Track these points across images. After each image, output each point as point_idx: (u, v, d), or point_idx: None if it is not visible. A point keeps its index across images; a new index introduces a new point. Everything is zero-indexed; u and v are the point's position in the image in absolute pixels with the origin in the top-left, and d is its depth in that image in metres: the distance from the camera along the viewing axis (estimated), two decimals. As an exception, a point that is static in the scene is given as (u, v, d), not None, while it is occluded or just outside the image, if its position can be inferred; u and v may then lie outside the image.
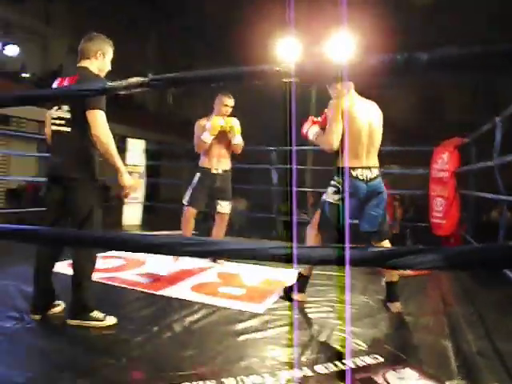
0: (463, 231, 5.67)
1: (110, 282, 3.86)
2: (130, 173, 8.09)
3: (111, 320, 2.88)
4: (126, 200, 8.14)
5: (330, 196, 3.30)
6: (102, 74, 2.99)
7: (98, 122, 2.71)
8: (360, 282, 4.10)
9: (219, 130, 4.52)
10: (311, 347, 2.55)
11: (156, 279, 4.06)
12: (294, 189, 6.57)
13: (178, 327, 2.82)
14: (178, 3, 14.18)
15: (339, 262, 0.89)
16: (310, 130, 3.46)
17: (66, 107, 2.80)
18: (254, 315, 3.10)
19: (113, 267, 4.43)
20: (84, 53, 2.94)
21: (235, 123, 4.63)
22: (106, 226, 6.95)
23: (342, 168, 3.19)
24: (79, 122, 2.75)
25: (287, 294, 3.57)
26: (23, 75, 11.57)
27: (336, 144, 3.16)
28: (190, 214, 4.69)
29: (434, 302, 3.80)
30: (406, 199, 9.40)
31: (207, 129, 4.51)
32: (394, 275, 3.37)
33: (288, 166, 7.63)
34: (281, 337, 2.72)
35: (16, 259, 4.21)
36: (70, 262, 2.95)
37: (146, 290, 3.67)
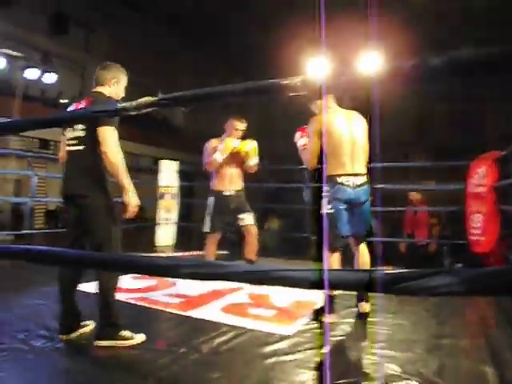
0: (504, 248, 5.45)
1: (139, 303, 3.86)
2: (163, 194, 8.27)
3: (140, 337, 2.86)
4: (159, 221, 8.21)
5: (325, 208, 3.43)
6: None
7: (108, 138, 2.73)
8: (393, 303, 3.97)
9: (231, 151, 4.60)
10: (342, 371, 2.45)
11: (186, 300, 4.04)
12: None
13: (206, 349, 2.77)
14: (207, 28, 14.41)
15: (366, 287, 0.83)
16: (300, 141, 3.66)
17: (79, 126, 2.84)
18: (283, 337, 3.02)
19: (143, 287, 4.44)
20: (99, 80, 3.05)
21: (251, 147, 4.67)
22: (139, 245, 7.07)
23: (329, 177, 3.39)
24: (92, 140, 2.76)
25: (317, 315, 3.47)
26: (61, 101, 11.91)
27: (312, 163, 3.46)
28: (211, 240, 4.81)
29: (473, 323, 3.65)
30: (443, 216, 9.15)
31: (219, 149, 4.59)
32: None
33: (321, 185, 7.51)
34: (310, 360, 2.62)
35: (47, 279, 4.25)
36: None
37: (175, 311, 3.65)
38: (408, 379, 2.35)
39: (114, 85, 3.05)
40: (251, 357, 2.67)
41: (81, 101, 2.95)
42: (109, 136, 2.73)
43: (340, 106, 3.61)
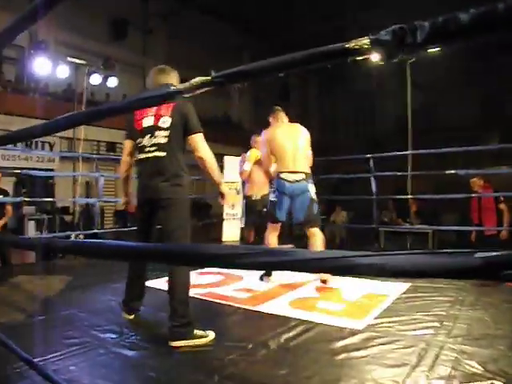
0: None
1: (207, 298, 3.86)
2: (229, 189, 8.30)
3: (212, 334, 2.84)
4: (225, 216, 8.27)
5: (271, 196, 4.46)
6: None
7: (201, 144, 2.97)
8: (471, 295, 3.76)
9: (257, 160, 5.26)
10: (417, 368, 2.30)
11: (254, 295, 4.00)
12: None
13: (274, 344, 2.71)
14: (269, 23, 14.35)
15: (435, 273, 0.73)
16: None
17: (161, 133, 2.95)
18: (353, 332, 2.91)
19: (211, 283, 4.45)
20: (161, 82, 3.07)
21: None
22: (207, 242, 7.15)
23: (277, 174, 4.33)
24: (174, 147, 2.96)
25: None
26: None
27: (269, 165, 4.49)
28: (248, 234, 5.71)
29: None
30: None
31: (246, 158, 5.41)
32: None
33: (389, 173, 7.28)
34: (383, 356, 2.49)
35: (118, 276, 4.37)
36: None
37: (242, 306, 3.62)
38: (491, 378, 2.16)
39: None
40: (320, 353, 2.57)
41: (159, 106, 2.98)
42: (202, 142, 2.98)
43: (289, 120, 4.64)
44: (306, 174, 4.23)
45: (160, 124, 2.96)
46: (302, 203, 4.21)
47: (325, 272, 0.89)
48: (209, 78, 1.06)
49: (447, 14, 0.67)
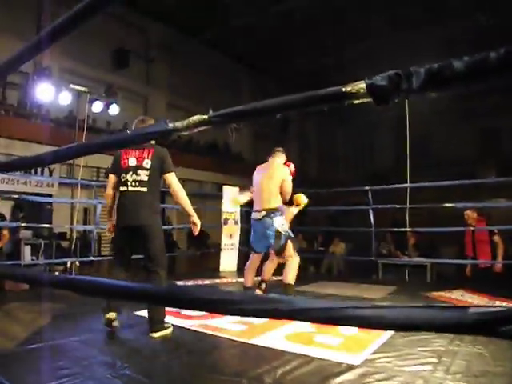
0: None
1: (201, 330, 3.81)
2: (227, 220, 8.32)
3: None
4: (223, 246, 8.24)
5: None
6: None
7: (175, 181, 3.74)
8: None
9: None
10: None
11: (249, 327, 3.95)
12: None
13: (269, 379, 2.65)
14: (269, 55, 14.56)
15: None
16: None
17: (143, 172, 3.66)
18: (350, 367, 2.86)
19: (205, 314, 4.39)
20: None
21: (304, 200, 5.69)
22: (205, 271, 7.11)
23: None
24: (153, 184, 3.70)
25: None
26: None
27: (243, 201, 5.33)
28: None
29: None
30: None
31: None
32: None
33: (387, 206, 7.32)
34: (380, 392, 2.46)
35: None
36: (166, 309, 3.66)
37: (237, 339, 3.56)
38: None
39: None
40: (317, 388, 2.53)
41: (136, 150, 3.74)
42: (175, 179, 3.75)
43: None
44: (267, 210, 4.68)
45: (143, 164, 3.67)
46: (266, 237, 4.69)
47: (319, 323, 0.89)
48: (206, 116, 1.08)
49: (442, 62, 0.68)
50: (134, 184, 3.65)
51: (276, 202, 4.74)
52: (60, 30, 1.51)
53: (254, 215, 4.76)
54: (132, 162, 3.69)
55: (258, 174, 4.89)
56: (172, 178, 3.72)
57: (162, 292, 1.24)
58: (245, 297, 0.93)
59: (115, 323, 3.62)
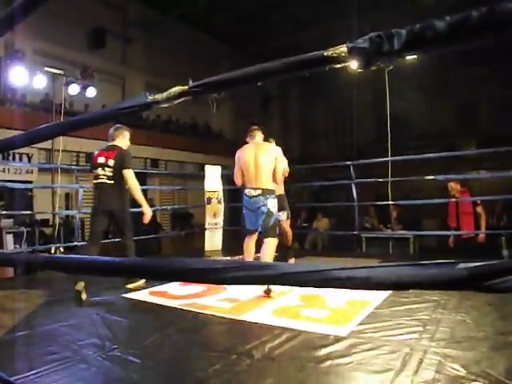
0: None
1: (190, 309, 3.83)
2: (210, 199, 8.31)
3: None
4: (207, 226, 8.23)
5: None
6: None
7: (130, 175, 4.61)
8: (453, 298, 3.79)
9: None
10: (402, 373, 2.31)
11: (237, 304, 3.98)
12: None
13: (258, 354, 2.68)
14: (246, 32, 14.42)
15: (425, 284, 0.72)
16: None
17: (109, 169, 4.58)
18: (338, 339, 2.91)
19: (193, 293, 4.42)
20: (113, 137, 4.85)
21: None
22: (189, 251, 7.14)
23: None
24: (117, 178, 4.58)
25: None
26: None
27: (238, 181, 4.89)
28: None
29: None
30: (498, 205, 8.73)
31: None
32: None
33: (369, 180, 7.36)
34: (367, 362, 2.49)
35: (98, 289, 4.35)
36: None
37: (226, 316, 3.60)
38: (475, 380, 2.18)
39: (122, 138, 4.87)
40: (305, 361, 2.57)
41: (106, 151, 4.71)
42: (131, 175, 4.62)
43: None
44: (263, 189, 4.64)
45: (108, 163, 4.59)
46: (258, 216, 4.63)
47: (308, 286, 0.87)
48: (186, 87, 1.06)
49: (424, 22, 0.68)
50: (103, 177, 4.61)
51: (271, 184, 4.74)
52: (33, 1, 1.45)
53: (249, 192, 4.69)
54: (101, 160, 4.64)
55: (247, 154, 4.78)
56: (127, 173, 4.59)
57: (147, 265, 1.24)
58: (233, 264, 0.92)
59: (83, 295, 4.16)
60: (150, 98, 1.17)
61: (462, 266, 0.65)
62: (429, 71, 12.56)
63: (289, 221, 6.12)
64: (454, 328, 3.05)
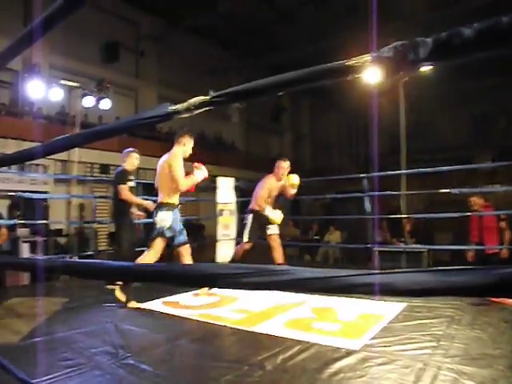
0: None
1: (202, 319, 3.83)
2: (222, 211, 8.33)
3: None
4: (219, 237, 8.24)
5: None
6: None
7: (124, 191, 5.13)
8: (467, 314, 3.75)
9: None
10: (415, 387, 2.28)
11: (249, 315, 3.98)
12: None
13: (270, 365, 2.68)
14: (257, 44, 14.53)
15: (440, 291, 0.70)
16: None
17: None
18: (350, 352, 2.89)
19: (206, 304, 4.42)
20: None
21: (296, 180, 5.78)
22: (201, 262, 7.28)
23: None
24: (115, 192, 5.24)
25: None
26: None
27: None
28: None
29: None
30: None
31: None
32: None
33: (383, 193, 7.31)
34: (380, 376, 2.47)
35: (112, 298, 4.37)
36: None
37: (238, 327, 3.59)
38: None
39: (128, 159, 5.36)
40: (317, 373, 2.55)
41: None
42: (123, 190, 5.12)
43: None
44: (159, 204, 4.62)
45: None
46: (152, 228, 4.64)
47: (322, 292, 0.85)
48: (207, 97, 1.07)
49: (450, 30, 0.68)
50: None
51: (164, 197, 4.60)
52: (51, 19, 1.49)
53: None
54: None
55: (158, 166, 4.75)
56: (121, 189, 5.15)
57: (158, 270, 1.24)
58: (249, 270, 0.92)
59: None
60: (170, 108, 1.18)
61: (495, 271, 0.64)
62: (444, 82, 12.51)
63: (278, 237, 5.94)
64: (469, 344, 3.00)
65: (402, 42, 0.73)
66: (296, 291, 0.90)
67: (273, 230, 5.87)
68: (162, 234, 4.46)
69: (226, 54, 16.16)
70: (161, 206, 4.53)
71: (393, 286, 0.72)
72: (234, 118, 15.41)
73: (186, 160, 4.58)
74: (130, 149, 5.46)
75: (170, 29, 13.72)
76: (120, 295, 4.32)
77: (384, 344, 3.06)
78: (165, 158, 4.62)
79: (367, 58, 0.78)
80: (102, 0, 12.35)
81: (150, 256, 4.45)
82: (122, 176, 5.24)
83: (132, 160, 5.38)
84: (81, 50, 12.20)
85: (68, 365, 2.66)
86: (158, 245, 4.47)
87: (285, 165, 5.84)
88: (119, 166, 5.44)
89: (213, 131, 15.66)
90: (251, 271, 0.90)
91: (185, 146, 4.64)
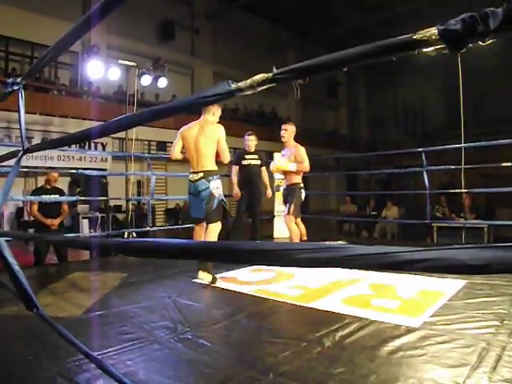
0: None
1: (260, 295, 3.86)
2: (278, 186, 8.34)
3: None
4: (276, 213, 8.27)
5: None
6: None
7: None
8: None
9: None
10: (479, 369, 2.20)
11: (306, 292, 3.98)
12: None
13: (328, 342, 2.67)
14: (311, 20, 14.27)
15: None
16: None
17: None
18: (409, 330, 2.83)
19: (263, 280, 4.46)
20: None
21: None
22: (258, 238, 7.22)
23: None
24: None
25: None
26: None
27: (173, 156, 4.72)
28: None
29: None
30: None
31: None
32: None
33: (442, 167, 7.08)
34: (441, 355, 2.40)
35: (173, 273, 4.48)
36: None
37: (296, 303, 3.59)
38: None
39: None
40: (376, 351, 2.51)
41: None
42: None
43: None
44: (204, 172, 4.45)
45: None
46: (200, 201, 4.46)
47: (378, 269, 0.82)
48: (270, 74, 1.06)
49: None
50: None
51: (213, 165, 4.53)
52: (108, 4, 1.52)
53: (191, 177, 4.53)
54: None
55: (189, 136, 4.56)
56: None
57: (212, 247, 1.25)
58: (306, 246, 0.91)
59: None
60: (233, 85, 1.17)
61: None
62: (507, 52, 11.91)
63: (292, 217, 5.95)
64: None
65: (470, 14, 0.68)
66: (351, 268, 0.87)
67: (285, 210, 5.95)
68: (222, 201, 4.53)
69: (281, 31, 16.02)
70: (211, 174, 4.46)
71: (452, 262, 0.68)
72: (295, 95, 15.24)
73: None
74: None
75: (224, 6, 13.69)
76: (206, 276, 4.30)
77: (445, 322, 2.98)
78: (207, 130, 4.52)
79: (434, 31, 0.74)
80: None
81: (218, 228, 4.43)
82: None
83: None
84: (137, 29, 12.42)
85: (128, 338, 2.74)
86: (220, 215, 4.50)
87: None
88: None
89: (269, 107, 15.61)
90: (310, 248, 0.89)
91: (214, 116, 4.67)
